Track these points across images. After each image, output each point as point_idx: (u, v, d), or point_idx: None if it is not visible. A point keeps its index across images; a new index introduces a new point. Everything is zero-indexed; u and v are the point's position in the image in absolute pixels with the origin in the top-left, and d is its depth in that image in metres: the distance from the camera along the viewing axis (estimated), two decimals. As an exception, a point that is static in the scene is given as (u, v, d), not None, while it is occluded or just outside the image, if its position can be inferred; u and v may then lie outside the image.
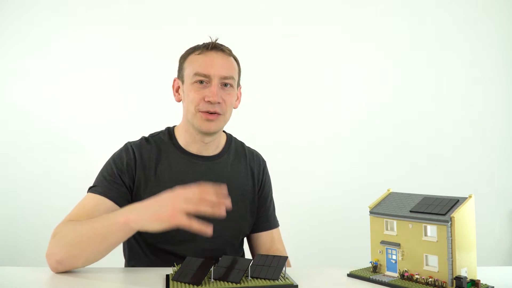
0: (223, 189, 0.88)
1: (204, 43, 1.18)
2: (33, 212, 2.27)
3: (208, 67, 1.12)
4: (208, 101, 1.11)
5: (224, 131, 1.31)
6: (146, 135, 1.24)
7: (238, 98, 1.24)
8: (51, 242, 0.96)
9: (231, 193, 1.17)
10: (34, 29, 2.34)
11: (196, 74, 1.12)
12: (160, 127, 1.28)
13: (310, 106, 2.46)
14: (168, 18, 2.39)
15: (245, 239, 1.32)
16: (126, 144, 1.19)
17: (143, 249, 1.16)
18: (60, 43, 2.36)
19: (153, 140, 1.20)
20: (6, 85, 2.33)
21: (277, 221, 1.34)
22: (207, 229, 0.85)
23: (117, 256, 1.15)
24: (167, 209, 0.86)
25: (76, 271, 0.97)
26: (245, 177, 1.24)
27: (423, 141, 2.48)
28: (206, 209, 0.86)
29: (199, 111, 1.12)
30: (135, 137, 1.24)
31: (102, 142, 2.29)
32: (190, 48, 1.19)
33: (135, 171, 1.13)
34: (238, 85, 1.23)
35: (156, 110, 2.29)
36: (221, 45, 1.18)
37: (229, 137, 1.29)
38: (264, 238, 1.29)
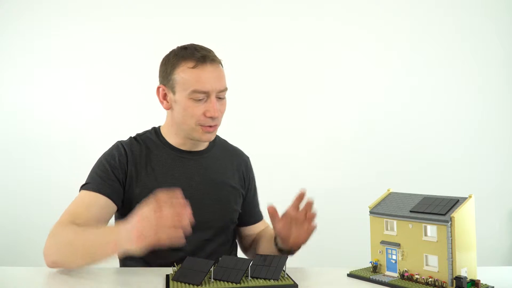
0: (178, 192, 0.86)
1: (193, 52, 1.13)
2: (33, 212, 2.27)
3: (206, 84, 1.11)
4: (210, 116, 1.12)
5: None
6: (133, 135, 1.26)
7: None
8: (48, 240, 0.99)
9: (221, 185, 1.25)
10: (34, 29, 2.34)
11: (195, 91, 1.11)
12: (152, 125, 1.30)
13: (309, 106, 2.46)
14: (167, 17, 2.39)
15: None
16: (116, 143, 1.22)
17: None
18: (59, 43, 2.36)
19: (141, 139, 1.23)
20: (6, 85, 2.33)
21: (261, 212, 1.42)
22: (179, 240, 0.84)
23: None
24: (133, 233, 0.85)
25: (76, 271, 0.97)
26: (231, 171, 1.29)
27: (423, 141, 2.48)
28: (164, 237, 0.83)
29: (200, 125, 1.14)
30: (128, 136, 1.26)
31: (101, 142, 2.28)
32: (178, 56, 1.14)
33: (127, 166, 1.16)
34: None
35: (157, 109, 2.28)
36: (210, 53, 1.16)
37: None
38: (258, 227, 1.37)
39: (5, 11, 2.33)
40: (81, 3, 2.37)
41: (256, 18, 2.45)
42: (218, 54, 1.20)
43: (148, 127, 1.29)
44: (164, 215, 0.83)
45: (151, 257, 1.13)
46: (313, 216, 1.06)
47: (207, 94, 1.12)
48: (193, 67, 1.12)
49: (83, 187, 1.12)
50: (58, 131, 2.33)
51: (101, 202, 1.09)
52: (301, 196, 1.05)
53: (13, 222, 2.27)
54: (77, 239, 0.96)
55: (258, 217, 1.38)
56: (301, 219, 1.06)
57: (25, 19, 2.34)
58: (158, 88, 1.20)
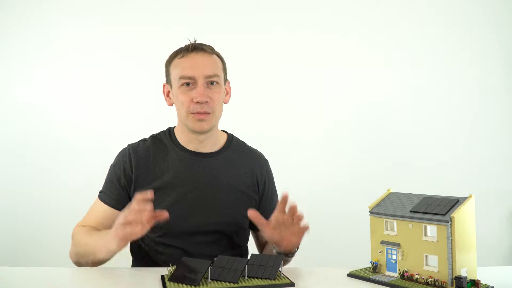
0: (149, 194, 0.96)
1: (185, 45, 1.20)
2: (34, 211, 2.27)
3: (192, 69, 1.15)
4: (197, 102, 1.14)
5: (225, 131, 1.34)
6: (148, 135, 1.29)
7: (228, 93, 1.28)
8: (71, 243, 1.16)
9: (229, 189, 1.23)
10: (35, 29, 2.34)
11: (181, 77, 1.16)
12: (162, 127, 1.31)
13: (308, 105, 2.45)
14: (172, 19, 2.39)
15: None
16: (125, 148, 1.25)
17: (148, 247, 1.20)
18: (61, 43, 2.35)
19: (152, 139, 1.26)
20: (8, 85, 2.33)
21: None
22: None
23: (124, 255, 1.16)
24: (112, 233, 0.98)
25: (75, 271, 0.97)
26: (244, 175, 1.27)
27: (423, 141, 2.48)
28: (125, 233, 0.95)
29: (190, 113, 1.16)
30: (136, 137, 1.29)
31: (103, 142, 2.28)
32: (173, 52, 1.22)
33: (132, 173, 1.20)
34: (226, 80, 1.25)
35: (158, 110, 2.28)
36: (202, 44, 1.21)
37: (230, 137, 1.32)
38: None
39: (7, 11, 2.33)
40: (84, 3, 2.37)
41: (256, 17, 2.44)
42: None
43: (148, 129, 1.31)
44: (128, 212, 0.95)
45: (155, 254, 1.17)
46: (300, 218, 1.03)
47: (193, 79, 1.16)
48: (181, 57, 1.18)
49: (99, 194, 1.23)
50: (59, 131, 2.32)
51: (114, 216, 1.16)
52: (284, 199, 1.02)
53: (14, 222, 2.27)
54: (84, 241, 1.11)
55: None
56: (288, 222, 1.03)
57: (27, 19, 2.34)
58: (163, 86, 1.27)
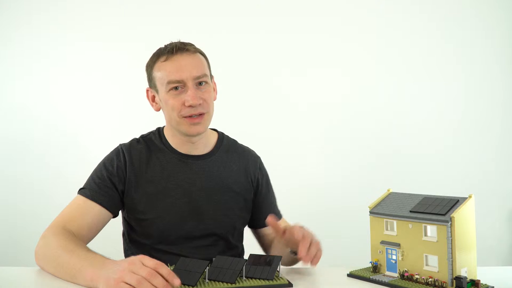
0: (176, 280, 0.77)
1: (166, 47, 1.14)
2: (34, 211, 2.27)
3: (179, 72, 1.09)
4: (189, 106, 1.09)
5: (216, 130, 1.31)
6: (138, 136, 1.24)
7: (215, 90, 1.23)
8: (39, 243, 0.99)
9: (223, 190, 1.21)
10: (35, 33, 2.35)
11: (169, 82, 1.10)
12: (154, 126, 1.28)
13: (308, 104, 2.46)
14: (156, 20, 2.39)
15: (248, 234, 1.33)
16: (117, 147, 1.19)
17: (144, 253, 1.15)
18: (62, 45, 2.36)
19: (143, 141, 1.20)
20: (9, 86, 2.34)
21: (279, 211, 1.36)
22: None
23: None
24: (115, 275, 0.77)
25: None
26: (237, 175, 1.24)
27: (423, 141, 2.48)
28: None
29: (183, 117, 1.11)
30: (132, 137, 1.25)
31: (103, 141, 2.27)
32: (154, 55, 1.16)
33: (126, 174, 1.14)
34: (211, 77, 1.21)
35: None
36: (184, 44, 1.15)
37: (221, 136, 1.29)
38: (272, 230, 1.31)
39: (10, 14, 2.33)
40: (83, 4, 2.37)
41: (253, 15, 2.44)
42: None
43: (150, 127, 1.28)
44: (158, 270, 0.77)
45: None
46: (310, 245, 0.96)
47: (182, 83, 1.10)
48: (165, 60, 1.11)
49: (80, 191, 1.12)
50: (60, 130, 2.33)
51: (95, 211, 1.09)
52: (273, 225, 1.00)
53: (14, 222, 2.27)
54: (62, 255, 0.92)
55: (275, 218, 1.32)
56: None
57: (28, 23, 2.35)
58: (147, 91, 1.21)
